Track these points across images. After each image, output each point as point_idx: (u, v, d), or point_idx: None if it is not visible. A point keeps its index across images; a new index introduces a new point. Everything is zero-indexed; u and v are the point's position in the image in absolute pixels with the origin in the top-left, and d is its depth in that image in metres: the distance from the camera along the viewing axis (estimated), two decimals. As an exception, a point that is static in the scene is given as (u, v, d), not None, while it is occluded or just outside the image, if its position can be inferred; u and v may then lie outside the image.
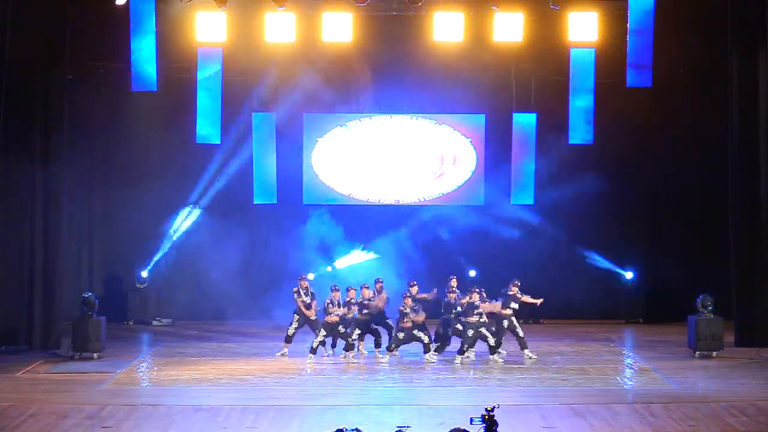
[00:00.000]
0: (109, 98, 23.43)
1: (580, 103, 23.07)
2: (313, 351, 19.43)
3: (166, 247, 24.03)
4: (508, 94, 24.08)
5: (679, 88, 23.63)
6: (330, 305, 19.50)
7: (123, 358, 19.75)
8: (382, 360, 19.36)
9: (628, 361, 19.65)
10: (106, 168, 24.20)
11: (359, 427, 11.39)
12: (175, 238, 24.05)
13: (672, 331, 22.21)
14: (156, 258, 24.08)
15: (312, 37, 22.25)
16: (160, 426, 14.48)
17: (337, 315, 19.39)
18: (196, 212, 24.00)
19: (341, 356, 19.45)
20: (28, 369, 18.62)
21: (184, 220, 24.12)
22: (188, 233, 24.21)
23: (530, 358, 19.39)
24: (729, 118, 21.22)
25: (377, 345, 19.81)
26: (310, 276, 22.03)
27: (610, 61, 22.70)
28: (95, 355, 19.56)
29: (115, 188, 24.27)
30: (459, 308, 19.32)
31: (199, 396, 16.43)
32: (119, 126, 23.82)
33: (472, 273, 23.59)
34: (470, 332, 19.02)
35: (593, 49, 22.63)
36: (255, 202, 24.27)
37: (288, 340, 19.99)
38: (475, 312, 19.05)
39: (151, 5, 21.75)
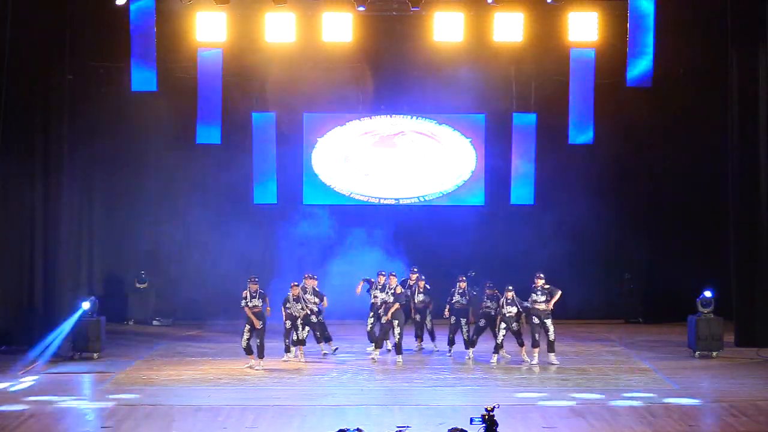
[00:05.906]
0: (109, 98, 23.41)
1: (580, 103, 23.07)
2: (288, 349, 19.32)
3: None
4: (508, 94, 24.10)
5: (679, 88, 23.62)
6: (288, 300, 19.33)
7: (123, 358, 19.75)
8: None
9: (628, 361, 19.62)
10: (106, 168, 24.18)
11: (360, 427, 11.39)
12: None
13: (672, 331, 22.21)
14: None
15: (312, 37, 22.27)
16: (160, 426, 14.48)
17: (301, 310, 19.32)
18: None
19: (283, 357, 19.34)
20: (28, 369, 18.62)
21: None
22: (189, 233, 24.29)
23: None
24: (729, 118, 21.22)
25: (318, 341, 19.80)
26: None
27: (610, 61, 22.70)
28: (95, 355, 19.58)
29: (115, 188, 24.30)
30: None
31: (199, 396, 16.42)
32: (119, 126, 23.80)
33: (472, 273, 23.59)
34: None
35: (593, 49, 22.65)
36: (255, 202, 24.27)
37: (248, 351, 18.74)
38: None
39: (151, 5, 21.76)
